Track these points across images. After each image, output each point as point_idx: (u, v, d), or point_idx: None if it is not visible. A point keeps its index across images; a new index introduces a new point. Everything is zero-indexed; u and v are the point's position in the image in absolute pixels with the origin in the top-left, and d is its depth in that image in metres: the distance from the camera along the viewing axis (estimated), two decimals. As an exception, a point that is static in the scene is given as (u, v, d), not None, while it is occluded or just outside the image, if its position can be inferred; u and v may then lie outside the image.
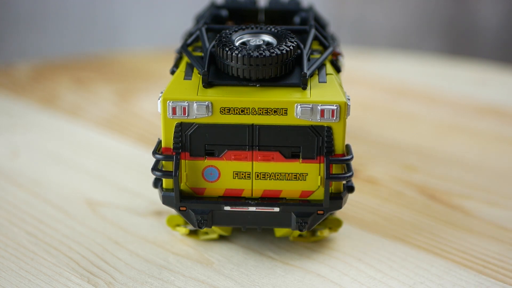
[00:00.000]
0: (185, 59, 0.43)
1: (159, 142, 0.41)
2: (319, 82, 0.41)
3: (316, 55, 0.43)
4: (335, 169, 0.41)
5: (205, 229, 0.44)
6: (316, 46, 0.44)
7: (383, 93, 0.78)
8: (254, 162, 0.40)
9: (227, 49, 0.40)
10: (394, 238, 0.46)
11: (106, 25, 1.28)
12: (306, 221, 0.41)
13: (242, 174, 0.41)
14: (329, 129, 0.40)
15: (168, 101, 0.39)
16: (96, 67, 0.87)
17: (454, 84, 0.81)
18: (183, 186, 0.41)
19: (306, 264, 0.43)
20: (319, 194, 0.41)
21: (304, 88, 0.40)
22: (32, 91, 0.76)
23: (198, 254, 0.44)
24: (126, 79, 0.82)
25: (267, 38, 0.42)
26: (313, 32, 0.44)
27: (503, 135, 0.66)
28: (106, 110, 0.71)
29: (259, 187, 0.41)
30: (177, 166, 0.40)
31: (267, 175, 0.41)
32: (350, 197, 0.44)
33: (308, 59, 0.42)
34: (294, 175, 0.41)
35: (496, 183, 0.55)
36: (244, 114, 0.40)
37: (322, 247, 0.45)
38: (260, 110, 0.39)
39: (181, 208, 0.41)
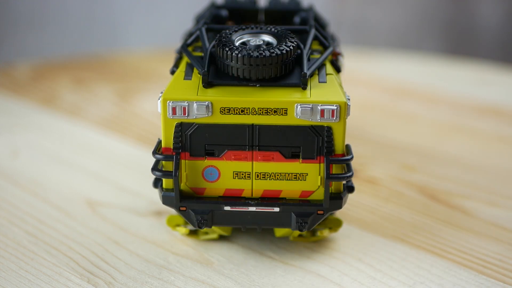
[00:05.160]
0: (185, 59, 0.43)
1: (159, 142, 0.41)
2: (319, 82, 0.41)
3: (316, 55, 0.43)
4: (335, 169, 0.41)
5: (205, 229, 0.44)
6: (316, 46, 0.44)
7: (383, 93, 0.78)
8: (254, 162, 0.40)
9: (227, 49, 0.40)
10: (394, 238, 0.46)
11: (106, 25, 1.28)
12: (306, 221, 0.41)
13: (242, 174, 0.41)
14: (329, 129, 0.40)
15: (168, 101, 0.39)
16: (96, 67, 0.87)
17: (454, 84, 0.81)
18: (183, 186, 0.41)
19: (306, 264, 0.43)
20: (319, 194, 0.41)
21: (304, 88, 0.40)
22: (32, 91, 0.76)
23: (198, 254, 0.44)
24: (126, 79, 0.82)
25: (267, 38, 0.42)
26: (313, 32, 0.44)
27: (503, 135, 0.66)
28: (106, 110, 0.71)
29: (259, 187, 0.41)
30: (177, 166, 0.40)
31: (267, 175, 0.41)
32: (350, 197, 0.44)
33: (308, 59, 0.42)
34: (294, 175, 0.41)
35: (496, 183, 0.55)
36: (244, 114, 0.40)
37: (322, 247, 0.45)
38: (260, 110, 0.39)
39: (181, 208, 0.41)
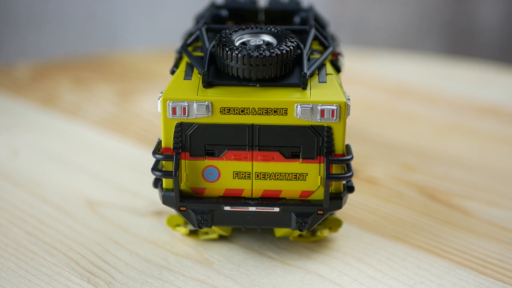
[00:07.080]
0: (185, 59, 0.43)
1: (159, 142, 0.41)
2: (319, 82, 0.41)
3: (316, 55, 0.43)
4: (335, 169, 0.41)
5: (205, 229, 0.44)
6: (316, 46, 0.44)
7: (383, 93, 0.78)
8: (254, 162, 0.40)
9: (227, 49, 0.40)
10: (394, 238, 0.46)
11: (106, 25, 1.28)
12: (306, 221, 0.41)
13: (242, 174, 0.41)
14: (329, 129, 0.40)
15: (168, 101, 0.39)
16: (96, 67, 0.87)
17: (454, 84, 0.81)
18: (183, 186, 0.41)
19: (306, 264, 0.43)
20: (319, 194, 0.41)
21: (304, 88, 0.40)
22: (32, 91, 0.76)
23: (198, 254, 0.44)
24: (126, 79, 0.82)
25: (267, 38, 0.42)
26: (313, 32, 0.44)
27: (503, 135, 0.66)
28: (106, 110, 0.71)
29: (259, 187, 0.41)
30: (177, 166, 0.40)
31: (267, 175, 0.41)
32: (350, 197, 0.44)
33: (308, 59, 0.42)
34: (294, 175, 0.41)
35: (496, 183, 0.55)
36: (244, 114, 0.40)
37: (322, 247, 0.45)
38: (260, 110, 0.39)
39: (181, 208, 0.41)
